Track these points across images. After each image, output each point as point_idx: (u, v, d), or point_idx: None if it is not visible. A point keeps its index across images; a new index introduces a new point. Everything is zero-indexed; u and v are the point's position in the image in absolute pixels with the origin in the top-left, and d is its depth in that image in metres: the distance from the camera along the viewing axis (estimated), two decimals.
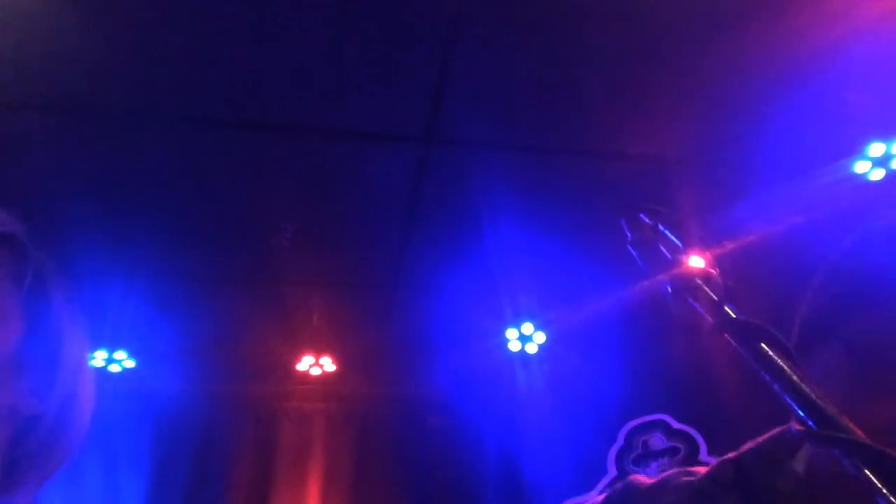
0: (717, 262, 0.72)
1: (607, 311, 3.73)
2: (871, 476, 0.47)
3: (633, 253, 0.75)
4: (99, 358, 3.91)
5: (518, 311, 3.92)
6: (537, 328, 4.01)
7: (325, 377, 4.21)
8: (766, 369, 0.57)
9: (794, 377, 0.55)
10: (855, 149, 2.97)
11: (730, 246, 3.13)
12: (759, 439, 0.86)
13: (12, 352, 0.66)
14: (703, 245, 0.72)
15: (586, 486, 4.05)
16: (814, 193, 3.04)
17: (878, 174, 3.03)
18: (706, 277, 0.68)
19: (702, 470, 0.92)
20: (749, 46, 2.47)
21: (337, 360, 4.19)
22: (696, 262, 0.70)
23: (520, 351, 4.11)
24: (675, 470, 0.96)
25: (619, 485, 0.97)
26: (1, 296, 0.67)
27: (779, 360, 0.57)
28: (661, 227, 0.74)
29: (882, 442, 0.49)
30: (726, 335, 0.63)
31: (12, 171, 2.70)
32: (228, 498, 4.00)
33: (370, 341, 4.22)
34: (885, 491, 0.46)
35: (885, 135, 2.91)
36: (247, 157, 2.83)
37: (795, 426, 0.53)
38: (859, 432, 0.50)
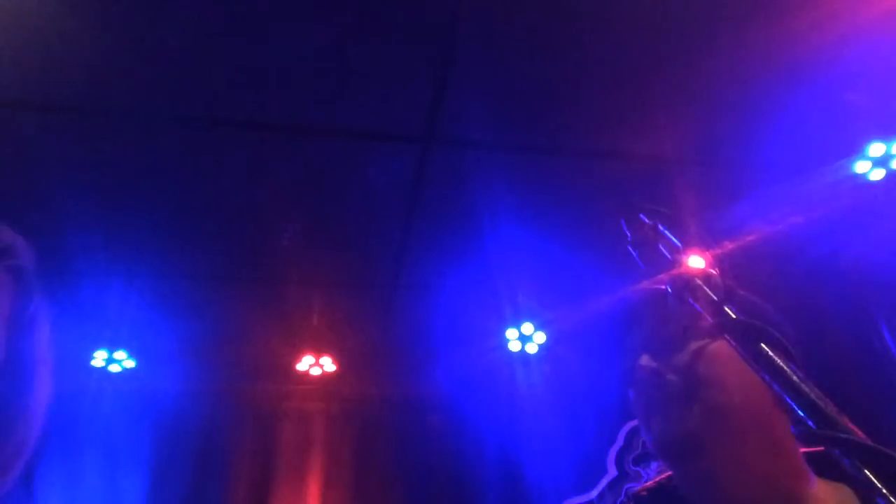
0: (717, 261, 0.72)
1: (607, 311, 3.73)
2: (870, 476, 0.47)
3: (633, 253, 0.75)
4: (99, 358, 3.91)
5: (518, 311, 3.92)
6: (537, 328, 4.01)
7: (325, 377, 4.21)
8: (766, 369, 0.57)
9: (794, 377, 0.55)
10: (855, 149, 2.97)
11: (730, 246, 3.13)
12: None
13: None
14: (703, 245, 0.72)
15: (586, 486, 4.05)
16: (814, 193, 3.04)
17: (878, 174, 3.03)
18: (706, 277, 0.68)
19: None
20: (749, 46, 2.47)
21: (337, 360, 4.19)
22: (696, 262, 0.70)
23: (520, 351, 4.11)
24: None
25: None
26: None
27: (779, 360, 0.57)
28: (660, 227, 0.74)
29: None
30: (726, 335, 0.63)
31: (12, 171, 2.70)
32: (228, 498, 4.00)
33: (370, 341, 4.22)
34: (884, 491, 0.46)
35: (885, 135, 2.91)
36: (247, 157, 2.83)
37: (795, 426, 0.53)
38: (859, 432, 0.50)
